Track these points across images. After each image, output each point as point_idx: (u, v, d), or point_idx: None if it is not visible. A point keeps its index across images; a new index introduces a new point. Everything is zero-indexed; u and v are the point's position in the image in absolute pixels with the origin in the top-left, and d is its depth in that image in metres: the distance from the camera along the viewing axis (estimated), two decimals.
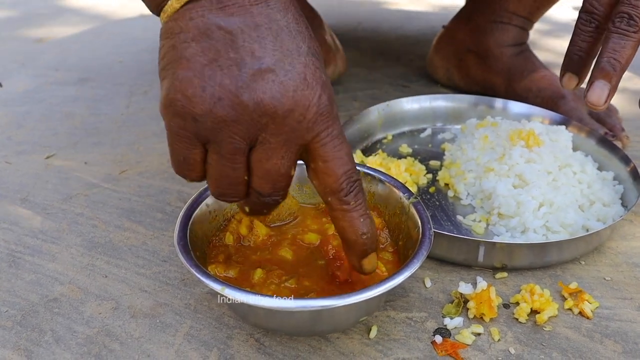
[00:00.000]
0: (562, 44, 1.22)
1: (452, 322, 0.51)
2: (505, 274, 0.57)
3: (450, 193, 0.68)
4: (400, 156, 0.75)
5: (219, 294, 0.42)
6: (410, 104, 0.83)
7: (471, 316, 0.52)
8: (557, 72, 0.59)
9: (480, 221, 0.63)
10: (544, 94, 0.84)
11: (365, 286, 0.43)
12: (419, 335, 0.50)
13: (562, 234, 0.59)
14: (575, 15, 0.63)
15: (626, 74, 0.95)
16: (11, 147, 0.84)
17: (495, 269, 0.58)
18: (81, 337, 0.51)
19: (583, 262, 0.59)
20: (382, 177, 0.55)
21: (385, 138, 0.81)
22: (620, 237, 0.63)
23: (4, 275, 0.58)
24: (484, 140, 0.70)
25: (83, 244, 0.62)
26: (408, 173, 0.69)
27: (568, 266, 0.59)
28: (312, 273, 0.49)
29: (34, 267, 0.59)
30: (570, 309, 0.53)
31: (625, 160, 0.68)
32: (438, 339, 0.50)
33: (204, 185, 0.54)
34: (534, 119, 0.76)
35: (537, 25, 0.95)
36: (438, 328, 0.51)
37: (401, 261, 0.50)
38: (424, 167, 0.71)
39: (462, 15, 0.96)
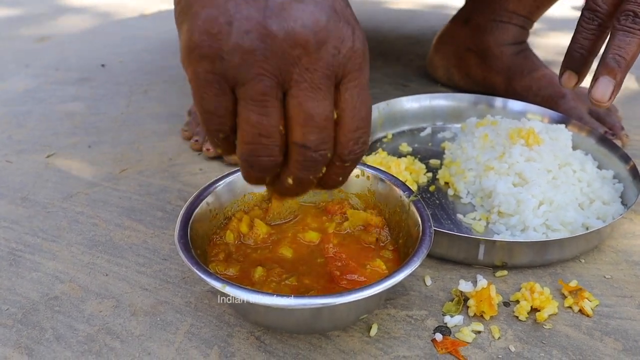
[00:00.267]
0: (561, 43, 1.22)
1: (452, 320, 0.51)
2: (505, 272, 0.57)
3: (450, 192, 0.68)
4: (400, 155, 0.75)
5: (219, 292, 0.42)
6: (410, 103, 0.83)
7: (471, 314, 0.52)
8: (557, 71, 0.59)
9: (480, 220, 0.63)
10: (544, 93, 0.84)
11: (365, 284, 0.43)
12: (420, 333, 0.51)
13: (562, 232, 0.59)
14: (575, 14, 0.63)
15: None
16: (12, 146, 0.84)
17: (496, 267, 0.58)
18: (82, 335, 0.51)
19: (583, 260, 0.59)
20: (382, 176, 0.55)
21: (385, 137, 0.81)
22: (620, 235, 0.63)
23: (4, 274, 0.58)
24: (484, 139, 0.70)
25: (84, 243, 0.62)
26: (408, 172, 0.69)
27: (568, 264, 0.59)
28: (312, 271, 0.49)
29: (34, 266, 0.59)
30: (570, 307, 0.53)
31: (625, 158, 0.68)
32: (438, 336, 0.50)
33: (204, 183, 0.54)
34: (534, 118, 0.76)
35: (537, 25, 0.95)
36: (438, 326, 0.51)
37: (401, 259, 0.50)
38: (424, 166, 0.71)
39: (462, 15, 0.96)
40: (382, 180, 0.55)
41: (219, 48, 0.34)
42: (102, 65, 1.16)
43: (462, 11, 0.97)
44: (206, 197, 0.52)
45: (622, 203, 0.64)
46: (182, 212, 0.50)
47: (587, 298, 0.53)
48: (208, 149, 0.77)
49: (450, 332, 0.51)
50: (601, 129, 0.78)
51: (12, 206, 0.69)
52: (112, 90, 1.04)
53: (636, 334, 0.51)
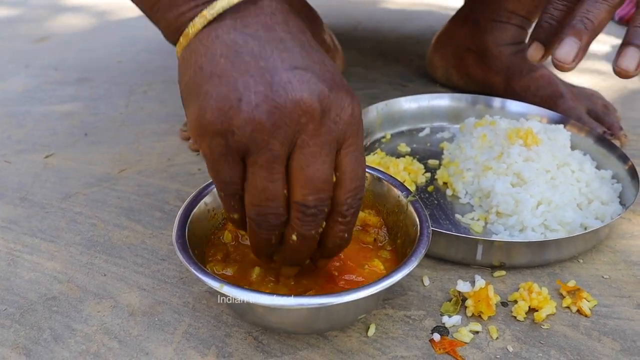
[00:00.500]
0: None
1: (450, 320, 0.51)
2: (503, 272, 0.57)
3: (449, 192, 0.68)
4: (398, 155, 0.75)
5: (217, 292, 0.42)
6: (409, 103, 0.83)
7: (469, 314, 0.52)
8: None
9: (478, 220, 0.63)
10: (543, 93, 0.84)
11: (363, 284, 0.43)
12: (417, 334, 0.51)
13: (560, 233, 0.59)
14: None
15: None
16: (10, 146, 0.84)
17: (494, 268, 0.58)
18: (80, 335, 0.51)
19: (581, 261, 0.59)
20: (380, 176, 0.55)
21: (384, 137, 0.81)
22: (618, 235, 0.63)
23: (2, 274, 0.58)
24: (483, 139, 0.70)
25: (82, 243, 0.62)
26: (406, 172, 0.69)
27: (566, 264, 0.59)
28: (310, 271, 0.49)
29: (32, 266, 0.59)
30: (568, 307, 0.53)
31: (624, 158, 0.68)
32: (436, 337, 0.50)
33: (202, 183, 0.54)
34: (533, 118, 0.76)
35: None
36: (436, 326, 0.51)
37: (399, 259, 0.50)
38: (422, 166, 0.71)
39: (461, 15, 0.96)
40: (380, 180, 0.55)
41: (231, 124, 0.36)
42: (119, 61, 1.18)
43: (461, 11, 0.97)
44: (204, 197, 0.52)
45: (621, 203, 0.64)
46: (179, 212, 0.50)
47: (585, 298, 0.53)
48: None
49: (448, 332, 0.51)
50: (600, 129, 0.78)
51: (11, 206, 0.69)
52: (111, 90, 1.04)
53: (634, 334, 0.51)
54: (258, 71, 0.37)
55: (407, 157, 0.72)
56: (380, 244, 0.52)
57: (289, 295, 0.42)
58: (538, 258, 0.57)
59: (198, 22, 0.39)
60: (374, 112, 0.80)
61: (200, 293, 0.55)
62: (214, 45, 0.38)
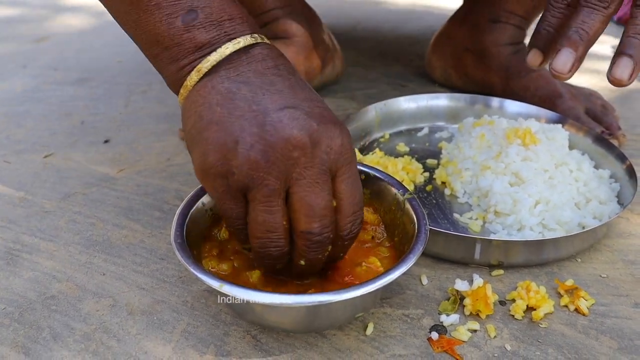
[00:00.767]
0: None
1: (448, 319, 0.51)
2: (501, 271, 0.58)
3: (447, 191, 0.68)
4: (397, 155, 0.75)
5: (216, 291, 0.42)
6: (408, 103, 0.83)
7: (467, 313, 0.52)
8: (527, 46, 0.59)
9: (476, 219, 0.63)
10: (541, 93, 0.85)
11: (361, 282, 0.43)
12: (415, 332, 0.51)
13: (558, 232, 0.59)
14: None
15: None
16: (10, 146, 0.84)
17: (492, 267, 0.58)
18: (79, 334, 0.51)
19: (579, 260, 0.60)
20: (377, 174, 0.55)
21: (382, 137, 0.81)
22: (616, 234, 0.63)
23: (1, 273, 0.58)
24: (481, 138, 0.70)
25: (81, 242, 0.63)
26: (405, 171, 0.69)
27: (564, 263, 0.59)
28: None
29: (32, 265, 0.59)
30: (566, 306, 0.53)
31: (622, 158, 0.68)
32: (434, 335, 0.50)
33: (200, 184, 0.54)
34: (531, 118, 0.77)
35: (535, 25, 0.95)
36: (434, 325, 0.51)
37: (397, 257, 0.50)
38: (421, 166, 0.71)
39: (460, 15, 0.96)
40: (377, 178, 0.55)
41: (230, 165, 0.40)
42: (119, 62, 1.18)
43: (459, 11, 0.97)
44: (202, 196, 0.52)
45: (619, 202, 0.64)
46: (178, 211, 0.50)
47: (583, 297, 0.53)
48: None
49: (446, 331, 0.51)
50: (598, 128, 0.78)
51: (10, 206, 0.69)
52: (110, 90, 1.04)
53: (632, 332, 0.51)
54: (251, 114, 0.40)
55: (406, 156, 0.72)
56: (378, 241, 0.53)
57: (286, 293, 0.42)
58: (536, 257, 0.57)
59: (195, 75, 0.42)
60: (372, 111, 0.80)
61: (198, 292, 0.55)
62: (210, 95, 0.42)
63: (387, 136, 0.81)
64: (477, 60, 0.93)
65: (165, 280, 0.57)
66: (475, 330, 0.51)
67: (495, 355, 0.48)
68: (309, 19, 0.94)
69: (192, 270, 0.44)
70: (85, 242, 0.63)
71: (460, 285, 0.54)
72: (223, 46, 0.42)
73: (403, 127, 0.83)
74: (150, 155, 0.80)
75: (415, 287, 0.56)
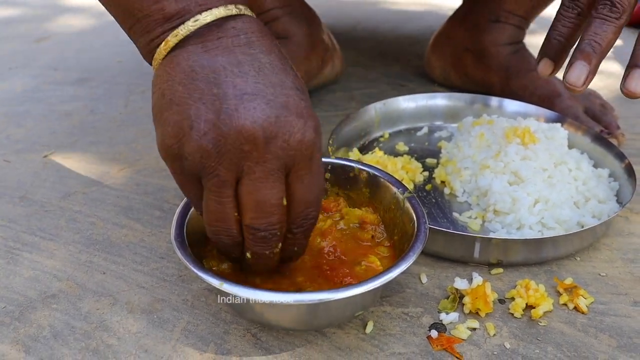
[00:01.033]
0: None
1: (447, 317, 0.52)
2: (500, 270, 0.58)
3: (447, 190, 0.68)
4: (397, 154, 0.75)
5: (217, 290, 0.42)
6: (407, 103, 0.83)
7: (467, 311, 0.52)
8: (537, 55, 0.59)
9: (476, 218, 0.63)
10: (540, 92, 0.85)
11: (360, 281, 0.43)
12: (415, 330, 0.51)
13: (557, 230, 0.60)
14: None
15: (621, 70, 0.95)
16: (10, 145, 0.84)
17: (491, 265, 0.58)
18: (79, 333, 0.51)
19: (578, 258, 0.60)
20: (376, 173, 0.55)
21: (382, 136, 0.81)
22: (615, 233, 0.63)
23: (2, 272, 0.58)
24: (480, 138, 0.70)
25: (81, 241, 0.63)
26: (404, 171, 0.69)
27: (563, 262, 0.59)
28: (306, 268, 0.49)
29: (32, 264, 0.59)
30: (565, 304, 0.54)
31: (621, 157, 0.68)
32: (434, 333, 0.50)
33: None
34: (530, 117, 0.77)
35: (534, 25, 0.96)
36: (434, 323, 0.51)
37: (397, 256, 0.50)
38: (420, 165, 0.72)
39: (459, 15, 0.96)
40: (376, 177, 0.55)
41: (183, 150, 0.39)
42: (119, 62, 1.18)
43: (459, 11, 0.97)
44: None
45: (618, 201, 0.65)
46: (178, 209, 0.50)
47: (582, 295, 0.54)
48: None
49: (446, 329, 0.51)
50: (597, 127, 0.78)
51: (10, 205, 0.70)
52: (110, 90, 1.04)
53: (631, 330, 0.51)
54: (210, 98, 0.39)
55: (405, 156, 0.73)
56: (378, 241, 0.53)
57: (286, 292, 0.43)
58: (535, 256, 0.57)
59: (163, 49, 0.41)
60: (372, 111, 0.80)
61: (199, 291, 0.55)
62: (174, 72, 0.40)
63: (386, 135, 0.81)
64: (476, 59, 0.93)
65: (165, 279, 0.57)
66: (474, 329, 0.51)
67: (495, 353, 0.48)
68: (309, 18, 0.94)
69: (192, 268, 0.44)
70: (86, 241, 0.63)
71: (460, 283, 0.54)
72: (192, 18, 0.40)
73: (402, 127, 0.83)
74: (149, 154, 0.81)
75: (414, 286, 0.56)
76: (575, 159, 0.67)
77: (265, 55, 0.41)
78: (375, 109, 0.80)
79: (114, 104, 0.98)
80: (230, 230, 0.41)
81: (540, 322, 0.52)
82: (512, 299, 0.53)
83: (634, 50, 0.53)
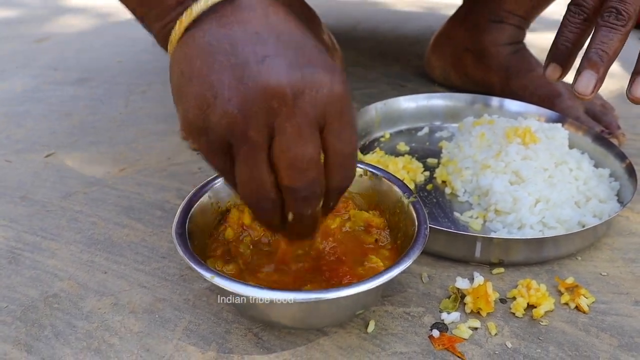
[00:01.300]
0: None
1: (449, 317, 0.52)
2: (502, 270, 0.58)
3: (448, 190, 0.68)
4: (397, 154, 0.75)
5: (218, 288, 0.42)
6: (408, 103, 0.83)
7: (468, 311, 0.52)
8: (544, 60, 0.60)
9: (477, 218, 0.64)
10: (541, 92, 0.85)
11: (361, 280, 0.43)
12: (417, 330, 0.51)
13: (558, 230, 0.60)
14: None
15: (621, 71, 0.95)
16: (10, 145, 0.84)
17: (492, 265, 0.58)
18: (81, 332, 0.51)
19: (579, 258, 0.60)
20: (384, 176, 0.55)
21: (382, 136, 0.81)
22: (616, 233, 0.64)
23: (3, 272, 0.58)
24: (481, 137, 0.70)
25: (82, 241, 0.63)
26: (405, 171, 0.69)
27: (564, 262, 0.59)
28: (307, 267, 0.49)
29: (33, 264, 0.59)
30: (566, 304, 0.54)
31: (621, 157, 0.69)
32: (435, 333, 0.50)
33: (205, 178, 0.55)
34: (531, 117, 0.77)
35: (534, 24, 0.96)
36: (435, 323, 0.52)
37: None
38: (421, 165, 0.72)
39: (459, 15, 0.97)
40: (384, 180, 0.55)
41: (210, 121, 0.38)
42: (119, 62, 1.18)
43: (459, 11, 0.97)
44: (207, 191, 0.52)
45: (619, 201, 0.65)
46: (183, 203, 0.50)
47: (583, 295, 0.54)
48: None
49: (447, 329, 0.51)
50: (597, 127, 0.78)
51: (12, 205, 0.69)
52: (110, 90, 1.04)
53: (632, 330, 0.51)
54: (230, 68, 0.38)
55: (406, 155, 0.73)
56: (381, 244, 0.53)
57: (286, 290, 0.43)
58: (536, 255, 0.58)
59: (178, 29, 0.40)
60: (372, 111, 0.80)
61: (200, 290, 0.55)
62: (191, 49, 0.39)
63: (387, 136, 0.81)
64: (476, 60, 0.93)
65: (166, 278, 0.57)
66: (476, 328, 0.51)
67: (496, 352, 0.49)
68: (309, 18, 0.94)
69: (189, 261, 0.44)
70: (87, 241, 0.63)
71: (461, 283, 0.54)
72: None
73: (403, 127, 0.83)
74: (150, 154, 0.81)
75: (416, 285, 0.56)
76: (576, 158, 0.68)
77: (282, 24, 0.40)
78: (375, 109, 0.80)
79: (114, 104, 0.98)
80: (269, 194, 0.40)
81: (542, 322, 0.52)
82: (514, 298, 0.53)
83: (638, 58, 0.53)
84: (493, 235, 0.59)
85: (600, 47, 0.52)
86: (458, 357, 0.48)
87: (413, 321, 0.52)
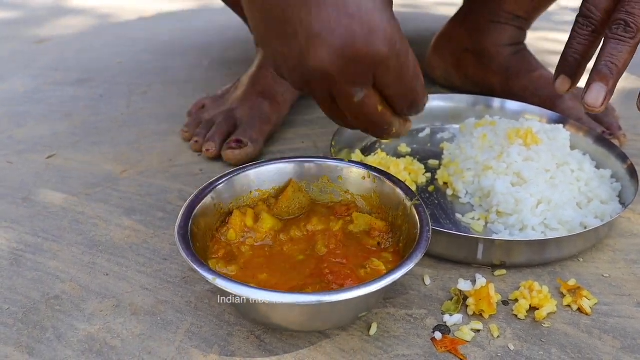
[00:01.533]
0: (559, 44, 1.22)
1: (451, 319, 0.52)
2: (504, 271, 0.58)
3: (449, 192, 0.68)
4: (399, 155, 0.75)
5: (219, 290, 0.42)
6: None
7: (470, 313, 0.52)
8: (554, 72, 0.60)
9: (479, 219, 0.63)
10: (542, 93, 0.85)
11: (362, 282, 0.43)
12: (419, 332, 0.51)
13: (560, 231, 0.60)
14: (572, 15, 0.63)
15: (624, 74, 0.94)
16: (12, 146, 0.84)
17: (494, 267, 0.58)
18: (82, 334, 0.51)
19: (581, 259, 0.60)
20: (387, 179, 0.55)
21: None
22: (618, 234, 0.64)
23: (5, 274, 0.58)
24: (483, 139, 0.70)
25: (84, 243, 0.63)
26: (407, 172, 0.69)
27: (566, 263, 0.59)
28: (308, 269, 0.49)
29: (35, 265, 0.59)
30: (569, 306, 0.54)
31: (623, 158, 0.69)
32: (438, 335, 0.50)
33: (207, 180, 0.55)
34: (532, 118, 0.77)
35: (535, 25, 0.96)
36: (438, 325, 0.51)
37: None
38: (422, 166, 0.72)
39: (460, 16, 0.97)
40: (386, 182, 0.55)
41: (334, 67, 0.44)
42: (119, 62, 1.18)
43: (460, 12, 0.97)
44: (210, 192, 0.52)
45: (620, 202, 0.65)
46: (186, 204, 0.50)
47: (585, 297, 0.54)
48: (208, 150, 0.77)
49: (450, 331, 0.51)
50: (599, 128, 0.78)
51: (13, 206, 0.69)
52: (111, 91, 1.04)
53: (634, 332, 0.51)
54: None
55: (408, 157, 0.73)
56: (383, 247, 0.53)
57: (287, 292, 0.43)
58: (538, 257, 0.58)
59: None
60: None
61: (202, 292, 0.55)
62: None
63: None
64: (477, 61, 0.93)
65: (168, 280, 0.57)
66: (478, 330, 0.51)
67: (499, 355, 0.49)
68: None
69: (190, 262, 0.44)
70: (89, 243, 0.63)
71: (463, 285, 0.54)
72: None
73: None
74: (152, 155, 0.81)
75: (418, 288, 0.56)
76: (577, 159, 0.68)
77: None
78: None
79: (115, 104, 0.98)
80: (383, 122, 0.49)
81: (544, 324, 0.52)
82: (516, 300, 0.53)
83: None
84: (495, 236, 0.59)
85: (609, 59, 0.52)
86: (460, 359, 0.48)
87: (415, 323, 0.52)
